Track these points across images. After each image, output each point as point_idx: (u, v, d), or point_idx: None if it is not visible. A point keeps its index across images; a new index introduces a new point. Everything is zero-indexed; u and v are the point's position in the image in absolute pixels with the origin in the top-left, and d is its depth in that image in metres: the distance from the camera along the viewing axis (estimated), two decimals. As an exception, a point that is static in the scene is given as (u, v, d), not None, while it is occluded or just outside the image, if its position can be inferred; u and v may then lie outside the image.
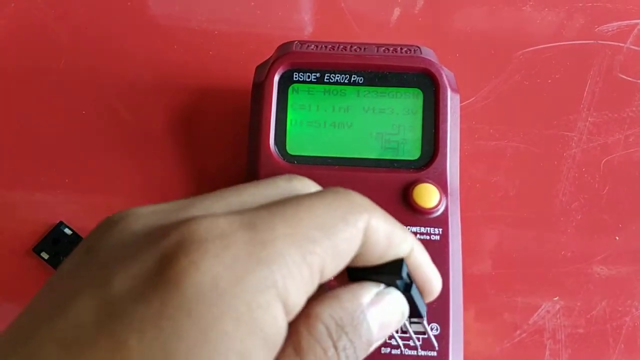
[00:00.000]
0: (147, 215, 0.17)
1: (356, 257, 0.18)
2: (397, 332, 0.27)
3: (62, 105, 0.38)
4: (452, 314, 0.28)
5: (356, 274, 0.19)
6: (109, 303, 0.14)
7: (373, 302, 0.18)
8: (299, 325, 0.17)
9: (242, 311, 0.14)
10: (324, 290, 0.18)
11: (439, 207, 0.29)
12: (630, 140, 0.37)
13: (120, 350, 0.14)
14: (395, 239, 0.18)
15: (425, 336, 0.27)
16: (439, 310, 0.28)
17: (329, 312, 0.17)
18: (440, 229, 0.29)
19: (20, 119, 0.38)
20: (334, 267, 0.17)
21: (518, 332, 0.33)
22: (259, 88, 0.31)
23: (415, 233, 0.29)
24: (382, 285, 0.19)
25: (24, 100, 0.38)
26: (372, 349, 0.18)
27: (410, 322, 0.27)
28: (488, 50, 0.39)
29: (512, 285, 0.34)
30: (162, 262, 0.15)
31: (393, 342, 0.27)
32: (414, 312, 0.20)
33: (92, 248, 0.17)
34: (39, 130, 0.37)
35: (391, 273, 0.19)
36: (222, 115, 0.37)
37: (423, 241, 0.29)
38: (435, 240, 0.29)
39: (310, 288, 0.16)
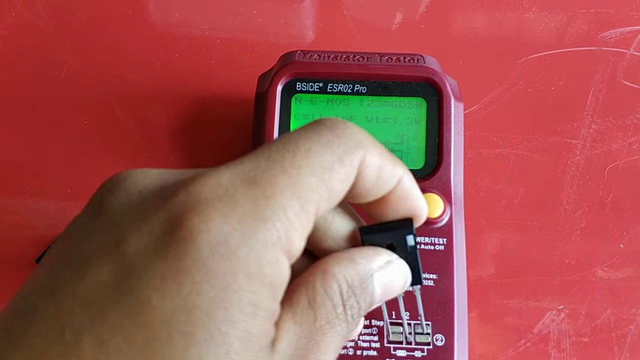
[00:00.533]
0: (154, 174, 0.17)
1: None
2: (402, 342, 0.27)
3: (64, 114, 0.38)
4: (456, 324, 0.27)
5: (368, 230, 0.20)
6: (126, 261, 0.15)
7: (381, 268, 0.20)
8: (315, 280, 0.18)
9: (252, 267, 0.15)
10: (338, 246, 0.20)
11: (443, 216, 0.29)
12: (634, 147, 0.37)
13: (144, 308, 0.14)
14: (385, 173, 0.19)
15: (430, 347, 0.27)
16: (444, 320, 0.28)
17: (344, 273, 0.19)
18: (445, 239, 0.29)
19: (23, 128, 0.37)
20: (329, 205, 0.18)
21: (523, 340, 0.33)
22: (262, 98, 0.31)
23: (419, 243, 0.29)
24: (395, 256, 0.20)
25: (26, 109, 0.38)
26: (371, 309, 0.20)
27: (415, 333, 0.27)
28: (491, 57, 0.39)
29: (516, 293, 0.34)
30: (174, 220, 0.15)
31: (398, 353, 0.27)
32: (416, 278, 0.21)
33: (101, 206, 0.17)
34: (41, 140, 0.37)
35: (402, 228, 0.20)
36: (224, 124, 0.37)
37: (427, 252, 0.29)
38: (439, 250, 0.29)
39: (308, 230, 0.17)
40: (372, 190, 0.19)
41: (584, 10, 0.40)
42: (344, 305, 0.18)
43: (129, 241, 0.15)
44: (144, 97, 0.38)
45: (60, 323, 0.14)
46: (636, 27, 0.39)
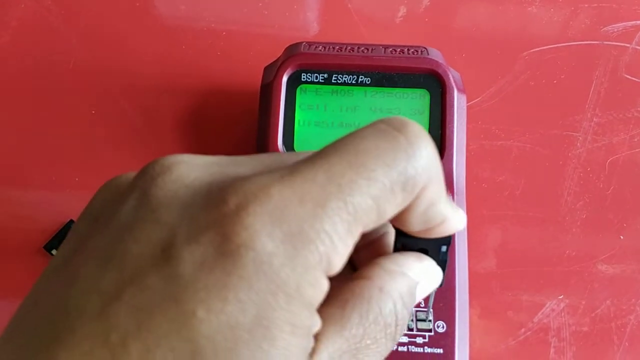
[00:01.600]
0: (200, 166, 0.17)
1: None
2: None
3: (71, 104, 0.38)
4: (458, 312, 0.28)
5: (405, 236, 0.20)
6: (172, 268, 0.15)
7: (424, 278, 0.19)
8: (372, 297, 0.18)
9: (292, 288, 0.15)
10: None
11: (445, 206, 0.29)
12: (635, 140, 0.37)
13: (189, 320, 0.14)
14: (432, 211, 0.18)
15: (432, 333, 0.28)
16: (445, 308, 0.28)
17: (400, 291, 0.18)
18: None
19: (31, 118, 0.38)
20: (375, 226, 0.17)
21: (523, 330, 0.33)
22: (267, 89, 0.31)
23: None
24: (433, 262, 0.20)
25: (33, 100, 0.38)
26: None
27: (417, 320, 0.28)
28: (494, 50, 0.39)
29: (517, 283, 0.34)
30: (223, 233, 0.15)
31: (400, 339, 0.27)
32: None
33: (145, 195, 0.16)
34: (49, 130, 0.38)
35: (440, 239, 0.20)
36: (229, 116, 0.38)
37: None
38: (441, 239, 0.29)
39: (350, 249, 0.16)
40: (412, 223, 0.18)
41: (586, 5, 0.40)
42: (396, 326, 0.18)
43: (177, 246, 0.15)
44: (150, 88, 0.39)
45: (106, 324, 0.14)
46: (638, 22, 0.39)
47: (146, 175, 0.17)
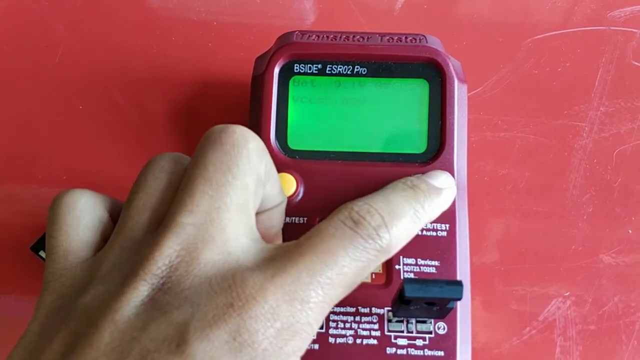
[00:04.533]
0: (217, 259, 0.20)
1: None
2: (402, 331, 0.26)
3: (58, 99, 0.37)
4: (459, 313, 0.27)
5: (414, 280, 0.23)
6: None
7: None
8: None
9: None
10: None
11: (445, 202, 0.28)
12: (644, 129, 0.36)
13: None
14: None
15: (432, 335, 0.26)
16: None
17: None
18: (447, 225, 0.28)
19: (16, 112, 0.37)
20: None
21: (528, 328, 0.32)
22: (259, 80, 0.30)
23: (421, 229, 0.28)
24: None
25: (19, 93, 0.37)
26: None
27: (417, 321, 0.26)
28: (496, 38, 0.38)
29: (521, 280, 0.33)
30: (230, 337, 0.18)
31: (399, 341, 0.26)
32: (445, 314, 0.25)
33: (169, 280, 0.19)
34: (35, 125, 0.36)
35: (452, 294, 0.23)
36: (222, 108, 0.37)
37: (430, 238, 0.28)
38: (442, 236, 0.28)
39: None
40: None
41: (592, -11, 0.39)
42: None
43: (191, 344, 0.17)
44: (140, 80, 0.37)
45: None
46: (646, 6, 0.38)
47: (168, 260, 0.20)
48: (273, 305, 0.18)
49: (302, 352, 0.19)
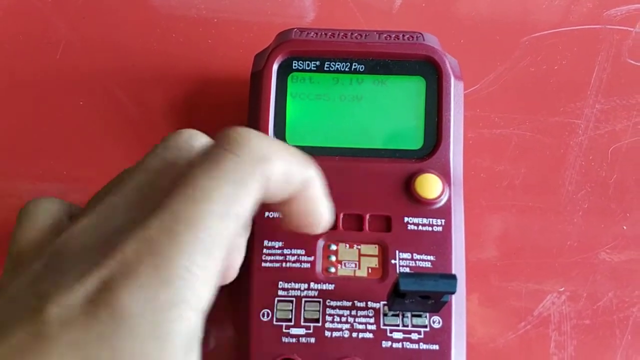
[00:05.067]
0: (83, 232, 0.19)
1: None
2: (398, 325, 0.27)
3: (59, 96, 0.37)
4: (454, 307, 0.27)
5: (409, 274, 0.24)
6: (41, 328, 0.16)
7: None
8: None
9: (157, 330, 0.16)
10: None
11: (441, 197, 0.29)
12: (639, 127, 0.36)
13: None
14: (293, 176, 0.20)
15: (427, 329, 0.27)
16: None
17: None
18: (443, 220, 0.28)
19: (16, 109, 0.37)
20: (241, 227, 0.19)
21: (523, 323, 0.32)
22: (258, 77, 0.30)
23: (417, 224, 0.28)
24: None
25: (20, 90, 0.38)
26: None
27: (412, 315, 0.27)
28: (493, 36, 0.38)
29: (517, 276, 0.33)
30: (90, 298, 0.17)
31: (395, 335, 0.26)
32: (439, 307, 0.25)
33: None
34: (35, 121, 0.37)
35: (446, 283, 0.23)
36: (222, 105, 0.37)
37: (425, 233, 0.28)
38: (437, 231, 0.28)
39: (219, 268, 0.18)
40: (279, 193, 0.20)
41: (588, -12, 0.39)
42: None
43: (49, 309, 0.16)
44: (141, 77, 0.38)
45: None
46: (642, 5, 0.38)
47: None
48: (133, 262, 0.17)
49: (186, 302, 0.17)
